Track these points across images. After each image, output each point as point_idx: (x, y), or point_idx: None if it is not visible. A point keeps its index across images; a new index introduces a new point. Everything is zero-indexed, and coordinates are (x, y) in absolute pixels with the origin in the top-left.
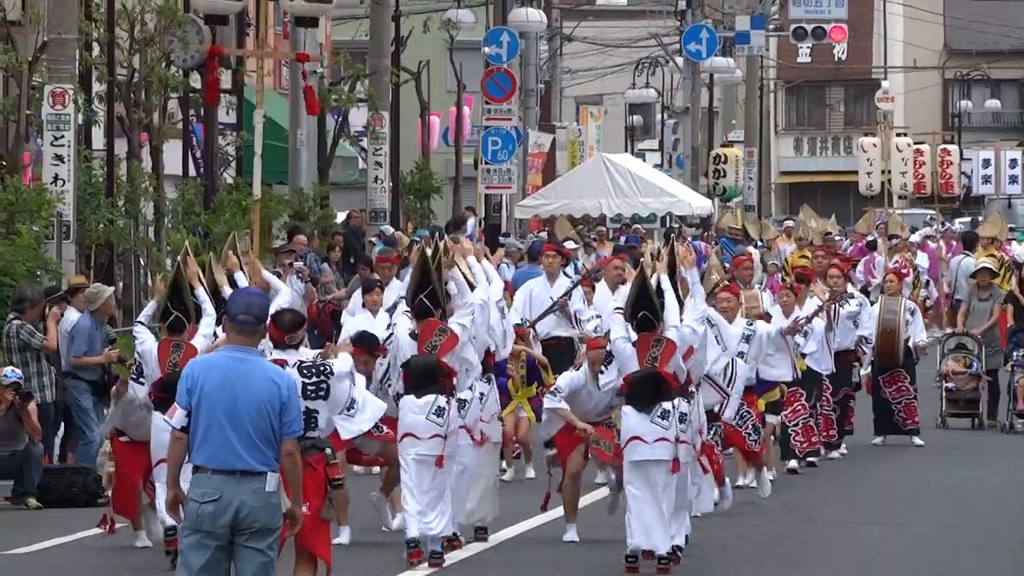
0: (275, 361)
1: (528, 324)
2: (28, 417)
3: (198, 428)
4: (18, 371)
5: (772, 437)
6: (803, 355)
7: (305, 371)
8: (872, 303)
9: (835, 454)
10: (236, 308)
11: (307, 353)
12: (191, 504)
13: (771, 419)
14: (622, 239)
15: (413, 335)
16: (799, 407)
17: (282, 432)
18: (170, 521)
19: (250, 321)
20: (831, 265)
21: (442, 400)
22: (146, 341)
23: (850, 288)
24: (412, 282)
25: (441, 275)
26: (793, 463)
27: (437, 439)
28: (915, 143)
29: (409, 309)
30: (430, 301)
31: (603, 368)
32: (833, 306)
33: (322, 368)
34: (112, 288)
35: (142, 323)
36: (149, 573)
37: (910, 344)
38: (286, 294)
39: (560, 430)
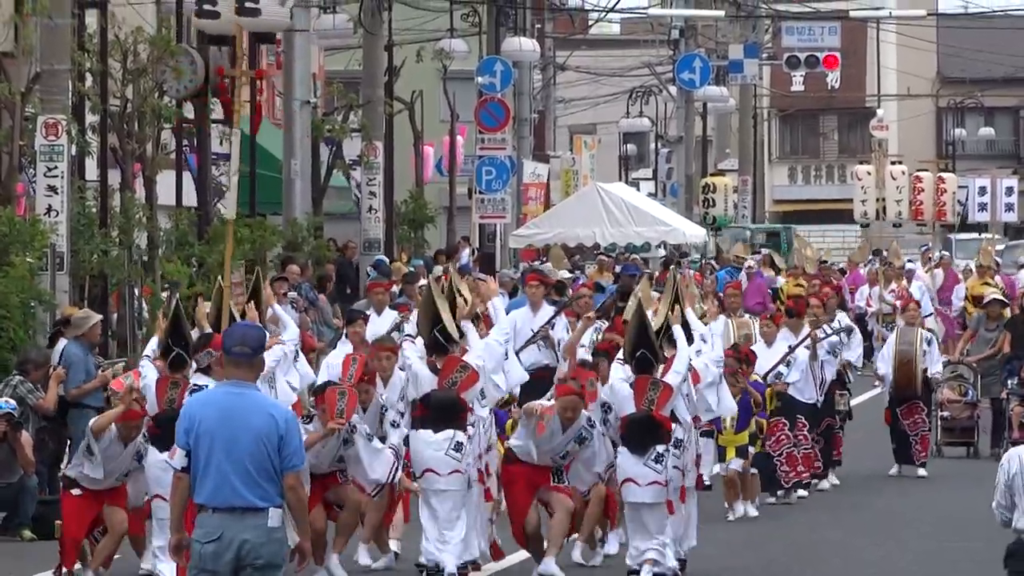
0: (193, 386)
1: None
2: (21, 449)
3: (198, 466)
4: (12, 402)
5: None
6: (786, 384)
7: None
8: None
9: (825, 484)
10: (231, 341)
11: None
12: (195, 544)
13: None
14: (617, 269)
15: (433, 368)
16: (782, 437)
17: (282, 466)
18: (147, 566)
19: (246, 353)
20: (811, 295)
21: (460, 436)
22: (148, 375)
23: (840, 316)
24: (424, 318)
25: (451, 309)
26: (771, 500)
27: (457, 475)
28: (915, 171)
29: (424, 344)
30: (443, 336)
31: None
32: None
33: None
34: (99, 316)
35: (148, 358)
36: None
37: (927, 375)
38: (293, 331)
39: (512, 489)
